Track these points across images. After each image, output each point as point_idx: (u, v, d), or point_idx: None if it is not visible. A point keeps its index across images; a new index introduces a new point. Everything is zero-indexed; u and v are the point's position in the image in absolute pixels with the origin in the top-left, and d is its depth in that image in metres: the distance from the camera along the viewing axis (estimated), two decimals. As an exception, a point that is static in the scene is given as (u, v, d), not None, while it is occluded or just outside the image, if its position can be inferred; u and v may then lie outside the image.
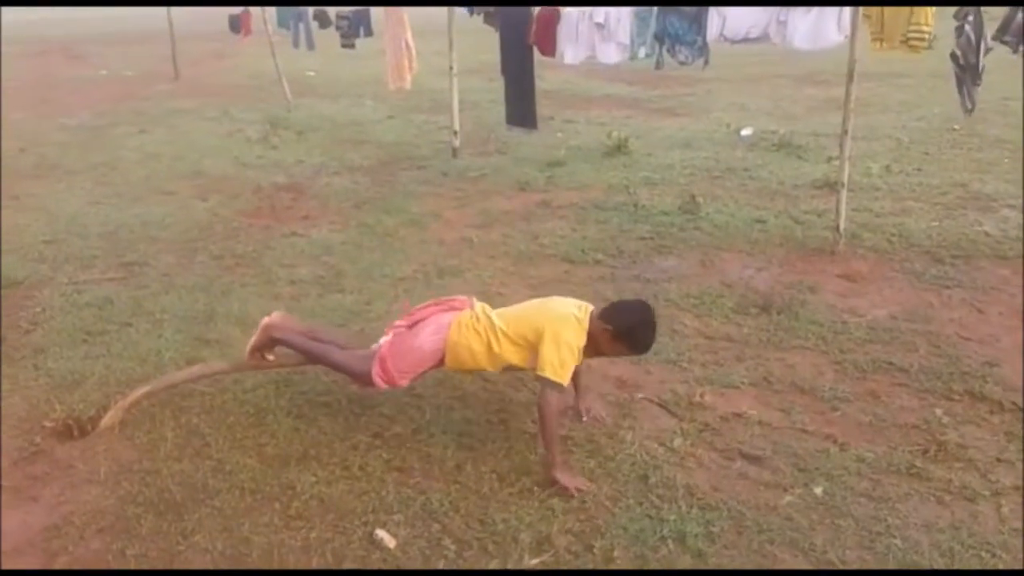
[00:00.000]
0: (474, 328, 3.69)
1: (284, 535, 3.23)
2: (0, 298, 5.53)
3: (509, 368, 3.75)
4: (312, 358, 4.04)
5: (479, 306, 3.84)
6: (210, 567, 3.08)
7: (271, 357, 4.13)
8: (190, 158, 9.64)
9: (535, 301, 3.88)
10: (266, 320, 4.07)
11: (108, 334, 4.99)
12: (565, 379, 3.50)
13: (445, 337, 3.72)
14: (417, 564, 3.07)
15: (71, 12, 38.15)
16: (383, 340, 3.83)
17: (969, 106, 5.78)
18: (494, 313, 3.76)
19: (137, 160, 9.64)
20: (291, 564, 3.09)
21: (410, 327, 3.81)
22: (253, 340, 4.07)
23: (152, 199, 7.99)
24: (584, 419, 3.93)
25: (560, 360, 3.49)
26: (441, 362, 3.78)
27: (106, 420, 3.93)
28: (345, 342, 4.14)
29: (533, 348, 3.57)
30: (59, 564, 3.12)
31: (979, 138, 9.27)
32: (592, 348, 3.64)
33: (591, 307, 3.71)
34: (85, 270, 6.10)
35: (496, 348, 3.65)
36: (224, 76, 16.91)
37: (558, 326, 3.54)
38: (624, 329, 3.59)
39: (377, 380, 3.75)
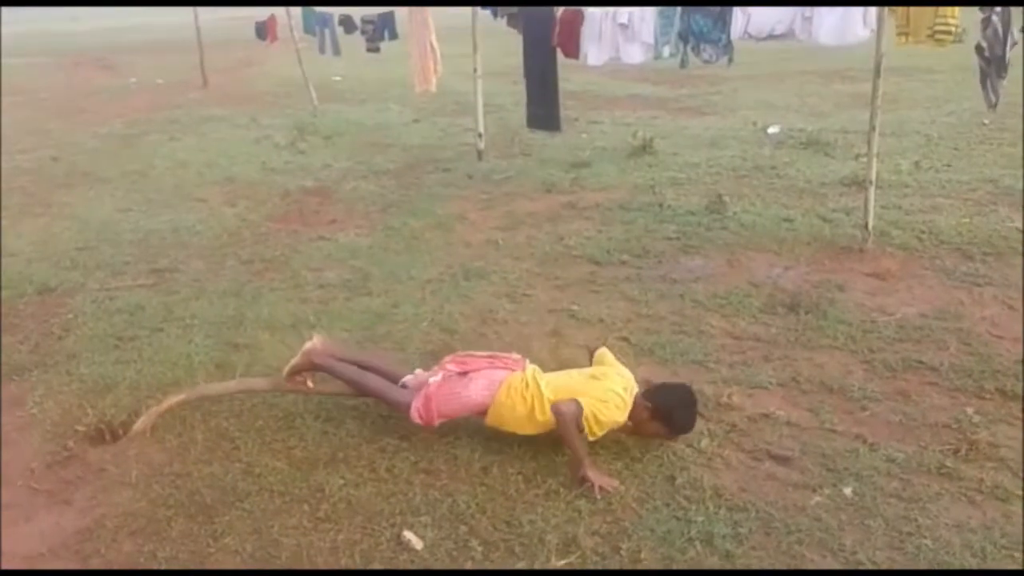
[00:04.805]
0: (522, 394, 3.71)
1: (313, 537, 3.26)
2: (33, 305, 5.63)
3: (547, 434, 3.76)
4: (351, 385, 4.06)
5: (530, 370, 3.85)
6: (240, 568, 3.11)
7: (311, 384, 4.16)
8: (219, 165, 9.74)
9: (585, 372, 3.91)
10: (308, 345, 4.09)
11: (139, 339, 5.06)
12: (591, 429, 3.57)
13: (494, 394, 3.75)
14: (444, 565, 3.08)
15: (101, 22, 38.72)
16: (432, 379, 3.85)
17: (993, 99, 5.70)
18: (544, 380, 3.78)
19: (167, 167, 9.75)
20: (320, 565, 3.11)
21: (461, 374, 3.84)
22: (293, 363, 4.10)
23: (182, 206, 8.09)
24: None
25: (596, 412, 3.56)
26: (480, 413, 3.81)
27: (138, 425, 3.99)
28: (385, 365, 4.15)
29: None
30: (92, 566, 3.17)
31: (1010, 133, 9.13)
32: (632, 424, 3.75)
33: (636, 388, 3.80)
34: (116, 277, 6.18)
35: (539, 416, 3.67)
36: (251, 83, 17.07)
37: (608, 396, 3.62)
38: (664, 409, 3.70)
39: (415, 415, 3.79)
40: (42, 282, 6.00)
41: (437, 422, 3.80)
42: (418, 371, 4.01)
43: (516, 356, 3.98)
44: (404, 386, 3.93)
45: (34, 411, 4.27)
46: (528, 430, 3.73)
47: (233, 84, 16.90)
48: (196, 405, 4.18)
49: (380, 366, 4.13)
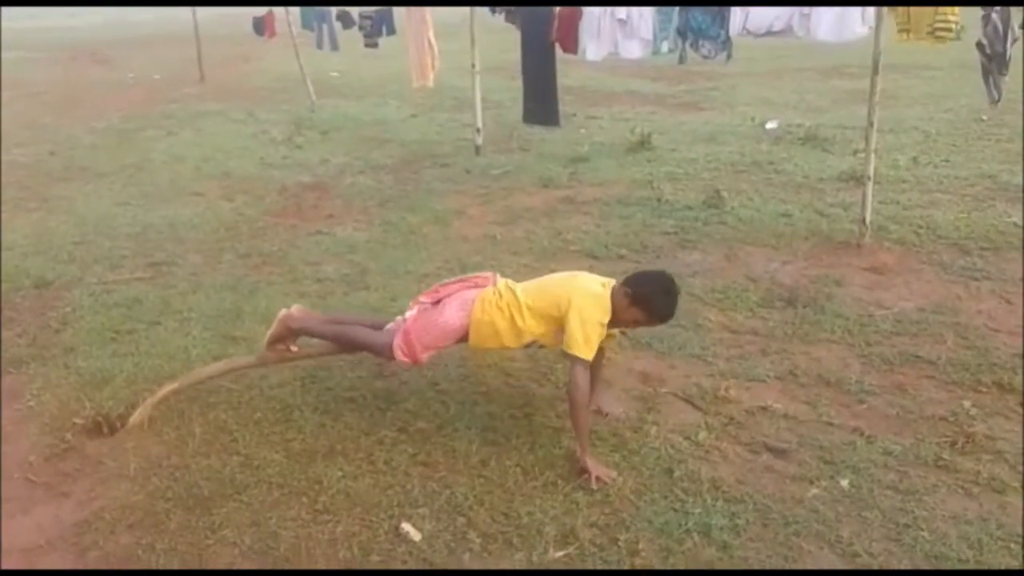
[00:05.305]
0: (497, 305, 3.69)
1: (311, 529, 3.26)
2: (30, 298, 5.63)
3: (531, 344, 3.75)
4: (332, 339, 4.05)
5: (502, 282, 3.83)
6: (238, 561, 3.11)
7: (295, 348, 4.15)
8: (216, 159, 9.73)
9: (561, 275, 3.88)
10: (283, 312, 4.08)
11: (136, 333, 5.05)
12: (590, 355, 3.50)
13: (470, 313, 3.72)
14: (442, 557, 3.09)
15: (97, 17, 38.65)
16: (407, 314, 3.85)
17: (995, 96, 5.71)
18: (519, 288, 3.75)
19: (164, 162, 9.74)
20: (318, 557, 3.11)
21: (435, 303, 3.83)
22: (271, 332, 4.09)
23: (179, 200, 8.08)
24: (604, 415, 3.92)
25: (585, 336, 3.49)
26: (464, 338, 3.79)
27: (135, 417, 3.98)
28: (363, 319, 4.15)
29: (557, 322, 3.58)
30: (90, 558, 3.17)
31: (1008, 129, 9.14)
32: (614, 318, 3.61)
33: (614, 281, 3.69)
34: (114, 270, 6.18)
35: (520, 323, 3.64)
36: (249, 78, 17.03)
37: (583, 302, 3.54)
38: (642, 294, 3.56)
39: (398, 353, 3.77)
40: (39, 276, 5.99)
41: (423, 356, 3.78)
42: (397, 318, 3.97)
43: (487, 273, 3.94)
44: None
45: (32, 404, 4.27)
46: (513, 342, 3.71)
47: (230, 79, 16.87)
48: (193, 397, 4.18)
49: (359, 320, 4.13)
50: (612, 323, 3.63)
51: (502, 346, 3.76)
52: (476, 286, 3.84)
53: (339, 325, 4.05)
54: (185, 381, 4.17)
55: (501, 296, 3.71)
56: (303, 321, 4.05)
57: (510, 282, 3.82)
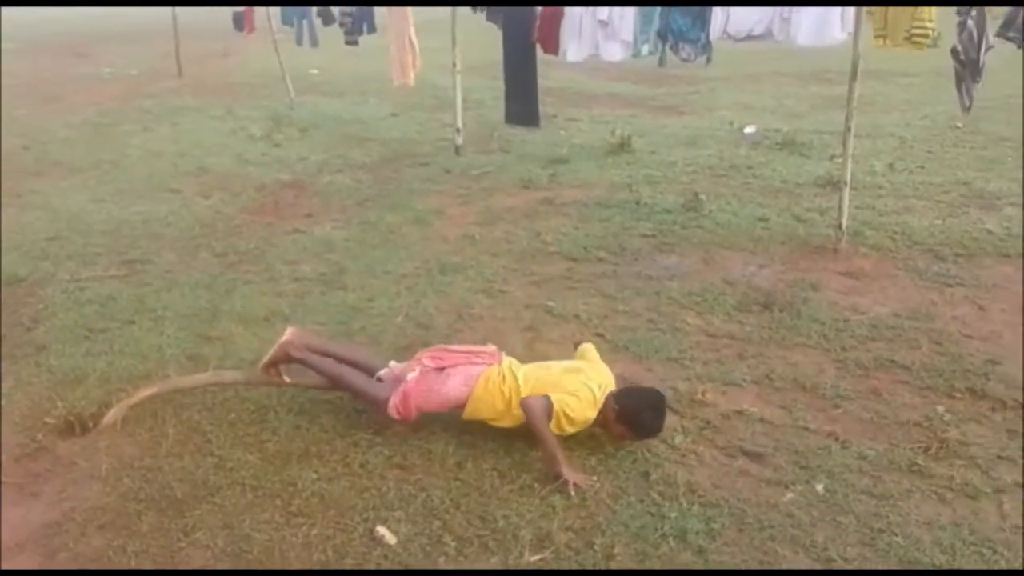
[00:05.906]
0: (500, 388, 3.74)
1: (285, 532, 3.24)
2: (1, 295, 5.54)
3: (524, 427, 3.76)
4: (328, 377, 4.04)
5: (507, 363, 3.88)
6: (211, 564, 3.08)
7: (287, 379, 4.14)
8: (193, 156, 9.65)
9: (562, 364, 3.94)
10: (284, 338, 4.07)
11: (110, 331, 4.99)
12: (560, 425, 3.62)
13: (472, 389, 3.77)
14: (418, 560, 3.07)
15: (75, 10, 38.17)
16: (409, 375, 3.85)
17: (967, 103, 5.77)
18: (521, 372, 3.81)
19: (140, 158, 9.64)
20: (292, 561, 3.09)
21: (438, 370, 3.85)
22: (269, 356, 4.08)
23: (155, 196, 8.00)
24: None
25: (563, 412, 3.60)
26: (459, 407, 3.82)
27: (108, 418, 3.93)
28: (361, 358, 4.13)
29: None
30: (59, 560, 3.13)
31: (983, 136, 9.24)
32: (600, 421, 3.74)
33: (612, 387, 3.81)
34: (87, 267, 6.10)
35: (516, 409, 3.69)
36: (228, 74, 16.90)
37: (580, 392, 3.66)
38: (629, 412, 3.68)
39: (393, 412, 3.80)
40: (11, 272, 5.90)
41: (414, 416, 3.81)
42: (392, 363, 4.01)
43: (491, 348, 3.99)
44: (379, 380, 3.92)
45: (2, 403, 4.20)
46: (506, 423, 3.75)
47: (209, 75, 16.73)
48: (167, 398, 4.13)
49: (356, 359, 4.10)
50: (598, 424, 3.75)
51: (495, 424, 3.80)
52: (482, 362, 3.88)
53: (337, 365, 4.03)
54: (164, 388, 4.13)
55: (504, 380, 3.76)
56: (302, 352, 4.04)
57: (514, 363, 3.89)
